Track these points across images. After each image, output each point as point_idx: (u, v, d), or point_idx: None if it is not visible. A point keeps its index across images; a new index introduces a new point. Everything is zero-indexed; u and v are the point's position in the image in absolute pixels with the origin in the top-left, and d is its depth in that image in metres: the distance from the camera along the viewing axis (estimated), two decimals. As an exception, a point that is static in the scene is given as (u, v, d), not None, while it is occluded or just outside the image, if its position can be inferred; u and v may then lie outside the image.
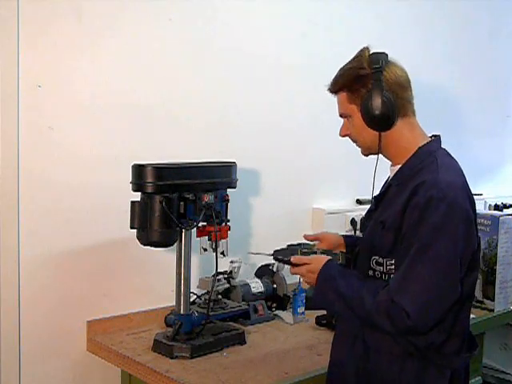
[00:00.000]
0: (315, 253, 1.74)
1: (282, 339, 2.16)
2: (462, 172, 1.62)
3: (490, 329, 2.62)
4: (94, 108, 2.13)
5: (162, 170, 1.91)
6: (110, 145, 2.17)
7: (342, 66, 1.68)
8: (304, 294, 2.33)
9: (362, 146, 1.70)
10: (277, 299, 2.43)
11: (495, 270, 2.52)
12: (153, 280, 2.28)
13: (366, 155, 1.71)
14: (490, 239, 2.51)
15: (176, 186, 1.94)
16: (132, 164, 1.93)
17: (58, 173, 2.06)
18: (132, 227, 1.92)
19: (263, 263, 2.50)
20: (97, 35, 2.13)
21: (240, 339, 2.08)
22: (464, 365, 1.65)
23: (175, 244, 1.98)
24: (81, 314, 2.13)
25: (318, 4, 2.78)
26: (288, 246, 1.87)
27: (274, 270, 2.46)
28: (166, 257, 2.16)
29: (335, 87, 1.68)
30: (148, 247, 1.95)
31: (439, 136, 1.69)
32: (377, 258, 1.61)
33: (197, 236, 2.05)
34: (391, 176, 1.69)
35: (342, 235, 1.94)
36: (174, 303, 2.05)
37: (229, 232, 2.07)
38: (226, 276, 2.32)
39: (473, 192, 1.61)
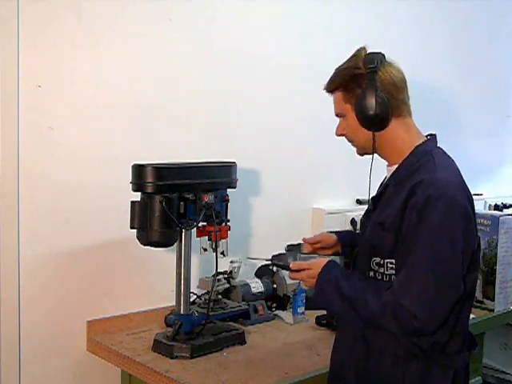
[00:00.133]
0: (314, 257, 1.73)
1: (281, 339, 2.16)
2: (459, 170, 1.62)
3: (490, 329, 2.62)
4: (94, 108, 2.14)
5: (161, 170, 1.91)
6: (110, 145, 2.17)
7: (336, 61, 1.68)
8: (304, 294, 2.33)
9: (357, 146, 1.71)
10: (277, 299, 2.43)
11: (495, 269, 2.52)
12: (153, 280, 2.28)
13: (361, 155, 1.71)
14: (490, 239, 2.51)
15: (176, 186, 1.94)
16: (132, 164, 1.93)
17: (58, 173, 2.06)
18: (132, 227, 1.92)
19: (263, 263, 2.50)
20: (97, 35, 2.13)
21: (240, 339, 2.08)
22: (465, 364, 1.65)
23: (175, 244, 1.98)
24: (81, 314, 2.13)
25: (317, 4, 2.78)
26: (288, 246, 1.87)
27: (274, 270, 2.46)
28: (166, 257, 2.16)
29: (331, 86, 1.68)
30: (148, 247, 1.95)
31: (435, 135, 1.69)
32: (377, 259, 1.61)
33: (197, 236, 2.05)
34: (388, 176, 1.69)
35: (335, 232, 1.93)
36: (174, 303, 2.05)
37: (229, 232, 2.07)
38: (226, 276, 2.32)
39: (473, 192, 1.61)
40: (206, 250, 2.08)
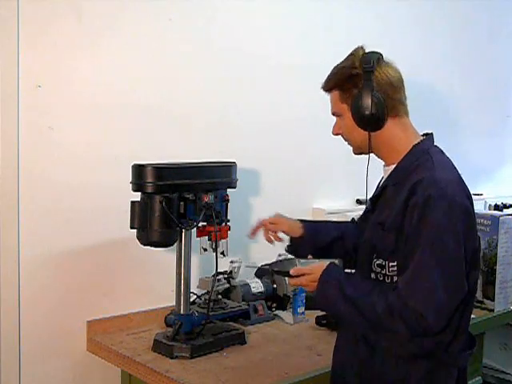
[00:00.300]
0: (314, 262, 1.72)
1: (281, 339, 2.16)
2: (457, 169, 1.62)
3: (490, 329, 2.62)
4: (94, 108, 2.14)
5: (161, 170, 1.91)
6: (110, 145, 2.17)
7: (336, 62, 1.68)
8: (304, 294, 2.33)
9: (353, 146, 1.71)
10: (277, 299, 2.43)
11: (495, 269, 2.52)
12: (153, 280, 2.28)
13: (357, 154, 1.71)
14: (490, 239, 2.51)
15: (176, 186, 1.94)
16: (132, 164, 1.93)
17: (58, 173, 2.06)
18: (132, 227, 1.92)
19: (263, 263, 2.50)
20: (97, 35, 2.13)
21: (240, 339, 2.08)
22: (466, 363, 1.65)
23: (175, 244, 1.98)
24: (81, 314, 2.13)
25: (317, 4, 2.78)
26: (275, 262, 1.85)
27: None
28: (166, 257, 2.16)
29: (328, 86, 1.68)
30: (148, 247, 1.95)
31: (432, 134, 1.69)
32: (378, 260, 1.60)
33: (197, 236, 2.05)
34: (385, 176, 1.68)
35: (300, 220, 1.93)
36: (174, 303, 2.05)
37: (229, 232, 2.07)
38: (226, 276, 2.32)
39: (473, 192, 1.61)
40: (206, 249, 2.08)
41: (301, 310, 2.35)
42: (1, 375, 1.98)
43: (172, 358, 1.92)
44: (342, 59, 1.68)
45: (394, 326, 1.50)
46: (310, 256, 1.80)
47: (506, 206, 3.52)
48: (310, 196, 2.83)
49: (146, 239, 1.92)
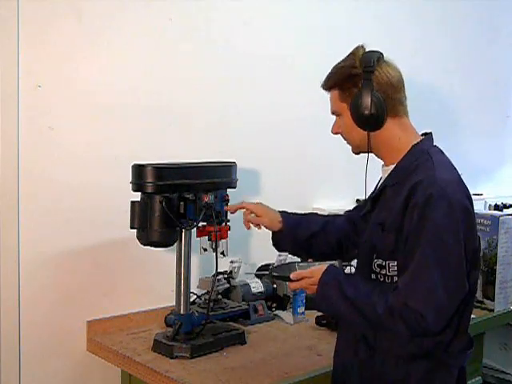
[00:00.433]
0: (313, 265, 1.72)
1: (281, 339, 2.16)
2: (456, 169, 1.62)
3: (490, 329, 2.62)
4: (94, 108, 2.14)
5: (162, 170, 1.91)
6: (109, 145, 2.17)
7: (336, 63, 1.68)
8: (304, 294, 2.33)
9: (352, 145, 1.71)
10: (277, 299, 2.43)
11: (495, 269, 2.52)
12: (153, 280, 2.28)
13: (357, 153, 1.71)
14: (490, 239, 2.51)
15: (176, 186, 1.94)
16: (132, 164, 1.93)
17: (58, 173, 2.06)
18: (132, 227, 1.92)
19: (263, 263, 2.50)
20: (97, 35, 2.13)
21: (240, 339, 2.08)
22: (466, 362, 1.65)
23: (175, 244, 1.98)
24: (81, 314, 2.13)
25: (317, 4, 2.78)
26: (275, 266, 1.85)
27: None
28: (166, 257, 2.16)
29: (327, 84, 1.68)
30: (148, 247, 1.95)
31: (431, 134, 1.69)
32: (378, 260, 1.60)
33: (197, 236, 2.05)
34: (385, 176, 1.68)
35: (281, 212, 1.93)
36: (174, 303, 2.05)
37: (229, 232, 2.07)
38: (226, 276, 2.32)
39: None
40: (206, 249, 2.08)
41: (301, 310, 2.35)
42: (1, 375, 1.98)
43: (172, 358, 1.92)
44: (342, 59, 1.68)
45: (394, 326, 1.50)
46: (310, 260, 1.80)
47: (506, 206, 3.52)
48: (310, 196, 2.83)
49: (145, 239, 1.92)
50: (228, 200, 2.07)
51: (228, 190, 2.08)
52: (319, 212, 2.80)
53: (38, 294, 2.04)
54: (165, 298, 2.22)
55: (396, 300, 1.48)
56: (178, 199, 1.94)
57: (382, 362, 1.60)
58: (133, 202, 1.91)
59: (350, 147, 1.72)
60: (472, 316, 2.06)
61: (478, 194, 3.47)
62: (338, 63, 1.67)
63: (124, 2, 2.19)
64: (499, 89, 3.96)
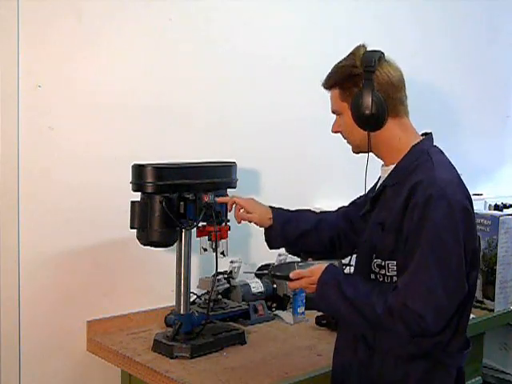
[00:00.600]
0: (313, 264, 1.72)
1: (281, 339, 2.16)
2: (456, 169, 1.62)
3: (490, 329, 2.62)
4: (94, 108, 2.14)
5: (162, 170, 1.91)
6: (109, 145, 2.17)
7: (337, 61, 1.68)
8: (304, 294, 2.33)
9: (352, 144, 1.71)
10: (277, 299, 2.43)
11: (495, 269, 2.52)
12: (153, 280, 2.28)
13: (356, 153, 1.71)
14: (490, 239, 2.51)
15: (176, 186, 1.94)
16: (132, 164, 1.93)
17: (58, 173, 2.06)
18: (132, 227, 1.92)
19: (263, 263, 2.50)
20: (97, 35, 2.13)
21: (240, 339, 2.08)
22: (464, 362, 1.66)
23: (175, 244, 1.98)
24: (81, 314, 2.13)
25: (318, 4, 2.78)
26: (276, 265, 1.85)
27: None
28: (166, 257, 2.16)
29: (328, 83, 1.68)
30: (148, 247, 1.95)
31: (431, 134, 1.69)
32: (378, 260, 1.60)
33: (197, 236, 2.05)
34: (384, 176, 1.67)
35: (272, 208, 1.93)
36: (174, 303, 2.05)
37: (229, 232, 2.07)
38: (226, 276, 2.32)
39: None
40: (206, 249, 2.08)
41: (301, 310, 2.35)
42: (1, 375, 1.98)
43: (172, 358, 1.92)
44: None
45: (393, 327, 1.50)
46: (309, 258, 1.80)
47: (506, 206, 3.52)
48: (310, 196, 2.82)
49: (145, 239, 1.92)
50: (228, 200, 2.07)
51: (228, 190, 2.08)
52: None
53: (38, 294, 2.04)
54: (165, 297, 2.22)
55: (395, 300, 1.48)
56: (178, 199, 1.94)
57: (381, 362, 1.60)
58: (133, 202, 1.92)
59: (350, 147, 1.72)
60: (472, 316, 2.06)
61: (478, 194, 3.46)
62: (339, 62, 1.67)
63: (124, 2, 2.19)
64: (499, 89, 3.96)
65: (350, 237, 1.88)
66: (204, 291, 2.26)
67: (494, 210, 3.44)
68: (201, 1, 2.39)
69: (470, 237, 1.53)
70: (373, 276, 1.62)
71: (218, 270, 2.04)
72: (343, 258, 1.85)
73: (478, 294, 2.53)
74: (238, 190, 2.12)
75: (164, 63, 2.30)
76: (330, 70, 1.68)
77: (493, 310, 2.54)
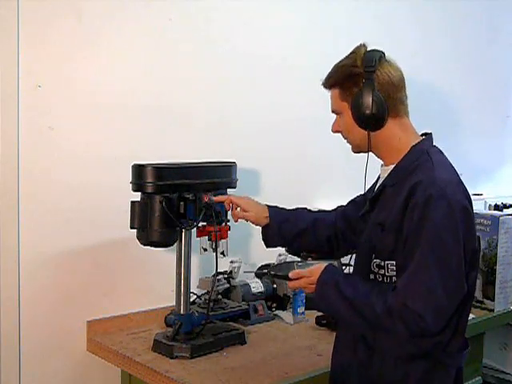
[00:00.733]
0: (312, 264, 1.72)
1: (281, 339, 2.16)
2: (455, 169, 1.62)
3: (490, 329, 2.62)
4: (94, 108, 2.14)
5: (162, 170, 1.91)
6: (109, 145, 2.17)
7: (337, 61, 1.68)
8: (304, 294, 2.33)
9: (352, 144, 1.70)
10: (277, 299, 2.43)
11: (495, 269, 2.52)
12: (153, 280, 2.28)
13: (356, 152, 1.71)
14: (490, 239, 2.51)
15: (176, 186, 1.94)
16: (132, 164, 1.93)
17: (58, 173, 2.06)
18: (132, 227, 1.92)
19: (263, 263, 2.50)
20: (97, 35, 2.13)
21: (240, 339, 2.08)
22: (463, 362, 1.66)
23: (175, 244, 1.98)
24: (81, 314, 2.13)
25: (318, 4, 2.78)
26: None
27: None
28: (166, 257, 2.16)
29: (328, 83, 1.68)
30: (148, 247, 1.95)
31: (431, 134, 1.69)
32: (377, 261, 1.60)
33: (197, 236, 2.05)
34: (384, 176, 1.67)
35: (269, 207, 1.93)
36: (174, 303, 2.05)
37: (229, 232, 2.07)
38: (226, 276, 2.32)
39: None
40: (206, 249, 2.08)
41: (301, 310, 2.35)
42: (1, 375, 1.98)
43: (172, 358, 1.92)
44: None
45: (393, 327, 1.50)
46: (309, 258, 1.80)
47: (506, 206, 3.52)
48: (310, 196, 2.82)
49: (145, 239, 1.92)
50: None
51: (228, 190, 2.08)
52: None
53: (38, 294, 2.04)
54: (165, 297, 2.22)
55: (395, 300, 1.48)
56: (178, 199, 1.94)
57: (380, 362, 1.60)
58: (133, 202, 1.92)
59: (350, 146, 1.72)
60: (472, 316, 2.07)
61: (478, 194, 3.46)
62: (340, 62, 1.67)
63: (124, 2, 2.19)
64: (499, 89, 3.96)
65: (347, 236, 1.88)
66: (204, 291, 2.26)
67: (494, 210, 3.44)
68: (201, 1, 2.39)
69: (469, 237, 1.53)
70: (372, 276, 1.62)
71: (218, 270, 2.04)
72: (341, 258, 1.85)
73: (478, 294, 2.53)
74: (238, 189, 2.12)
75: (164, 63, 2.30)
76: (330, 70, 1.68)
77: (493, 310, 2.54)
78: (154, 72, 2.28)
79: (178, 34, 2.33)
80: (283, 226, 1.90)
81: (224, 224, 2.05)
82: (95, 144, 2.14)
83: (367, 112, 1.59)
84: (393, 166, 1.64)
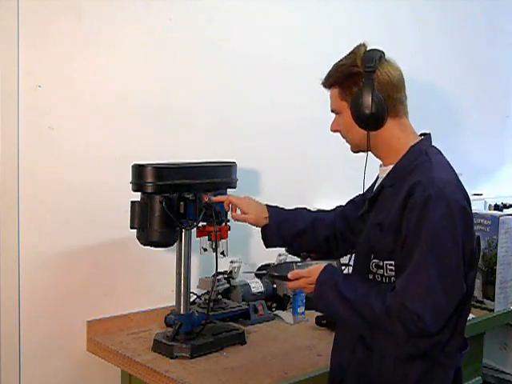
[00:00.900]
0: (311, 264, 1.72)
1: (281, 339, 2.16)
2: (454, 169, 1.62)
3: (489, 329, 2.62)
4: (94, 108, 2.14)
5: (162, 170, 1.91)
6: (109, 145, 2.17)
7: (337, 60, 1.68)
8: (304, 294, 2.33)
9: (351, 143, 1.70)
10: (277, 299, 2.43)
11: (495, 269, 2.52)
12: (153, 280, 2.28)
13: (355, 152, 1.71)
14: (490, 239, 2.51)
15: (176, 186, 1.94)
16: (132, 164, 1.93)
17: (58, 173, 2.06)
18: (132, 227, 1.92)
19: (263, 263, 2.50)
20: (97, 35, 2.13)
21: (240, 339, 2.08)
22: (462, 363, 1.65)
23: (175, 244, 1.98)
24: (81, 314, 2.13)
25: (318, 4, 2.78)
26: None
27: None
28: (166, 257, 2.16)
29: (328, 82, 1.68)
30: (148, 247, 1.95)
31: (429, 134, 1.69)
32: (376, 261, 1.60)
33: (197, 236, 2.05)
34: (383, 176, 1.67)
35: (268, 206, 1.93)
36: (174, 303, 2.05)
37: (229, 232, 2.07)
38: (226, 276, 2.32)
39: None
40: (206, 249, 2.08)
41: (301, 310, 2.35)
42: (1, 375, 1.98)
43: (172, 358, 1.92)
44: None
45: (392, 327, 1.50)
46: (308, 258, 1.80)
47: (506, 206, 3.52)
48: (310, 196, 2.82)
49: (145, 239, 1.92)
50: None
51: (228, 190, 2.08)
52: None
53: (37, 294, 2.04)
54: (165, 297, 2.22)
55: (394, 301, 1.48)
56: (178, 199, 1.94)
57: (379, 363, 1.60)
58: (133, 202, 1.92)
59: (349, 146, 1.72)
60: (472, 316, 2.07)
61: (478, 194, 3.46)
62: (339, 61, 1.67)
63: (124, 2, 2.19)
64: (499, 89, 3.96)
65: (346, 236, 1.88)
66: (204, 291, 2.26)
67: (494, 210, 3.44)
68: (201, 1, 2.39)
69: (468, 237, 1.53)
70: (371, 276, 1.62)
71: (218, 270, 2.04)
72: (340, 258, 1.85)
73: (478, 294, 2.54)
74: (238, 189, 2.12)
75: (164, 63, 2.30)
76: (329, 69, 1.68)
77: (493, 310, 2.54)
78: (154, 72, 2.28)
79: (178, 33, 2.33)
80: (282, 226, 1.90)
81: (224, 224, 2.05)
82: (95, 144, 2.14)
83: (367, 112, 1.59)
84: (392, 166, 1.64)
